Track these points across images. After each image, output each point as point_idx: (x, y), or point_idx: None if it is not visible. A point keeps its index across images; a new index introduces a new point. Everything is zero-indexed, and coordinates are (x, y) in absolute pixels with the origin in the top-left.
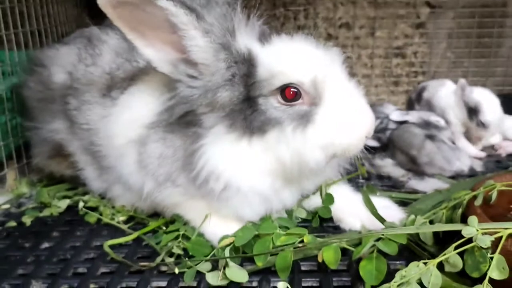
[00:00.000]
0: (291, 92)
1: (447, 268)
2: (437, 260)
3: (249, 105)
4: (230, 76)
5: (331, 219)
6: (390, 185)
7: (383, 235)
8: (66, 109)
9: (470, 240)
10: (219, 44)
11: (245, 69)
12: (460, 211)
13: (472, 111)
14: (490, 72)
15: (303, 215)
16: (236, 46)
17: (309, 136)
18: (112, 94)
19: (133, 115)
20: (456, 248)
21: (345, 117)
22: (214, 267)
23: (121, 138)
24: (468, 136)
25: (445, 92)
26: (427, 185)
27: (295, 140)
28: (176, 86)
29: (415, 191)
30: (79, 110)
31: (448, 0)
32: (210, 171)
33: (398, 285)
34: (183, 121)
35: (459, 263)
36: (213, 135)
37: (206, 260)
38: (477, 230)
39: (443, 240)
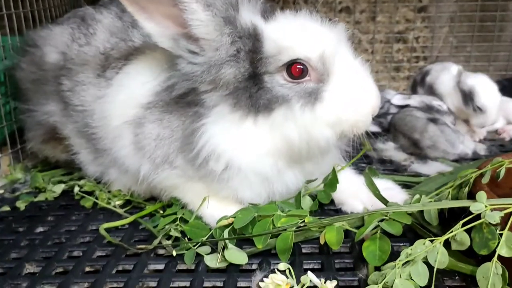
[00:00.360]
0: (298, 69)
1: (454, 246)
2: (444, 237)
3: (254, 82)
4: (234, 52)
5: (332, 202)
6: (392, 169)
7: (387, 214)
8: (59, 91)
9: (478, 217)
10: (222, 18)
11: (251, 44)
12: (466, 189)
13: (468, 97)
14: (493, 56)
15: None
16: (241, 20)
17: (318, 114)
18: (106, 74)
19: (129, 95)
20: (463, 225)
21: (353, 94)
22: (213, 250)
23: (117, 119)
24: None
25: (446, 78)
26: (430, 169)
27: (303, 118)
28: (177, 63)
29: (418, 174)
30: (72, 91)
31: None
32: (211, 151)
33: (403, 264)
34: (183, 101)
35: (467, 240)
36: (216, 114)
37: (204, 243)
38: (486, 206)
39: (448, 220)
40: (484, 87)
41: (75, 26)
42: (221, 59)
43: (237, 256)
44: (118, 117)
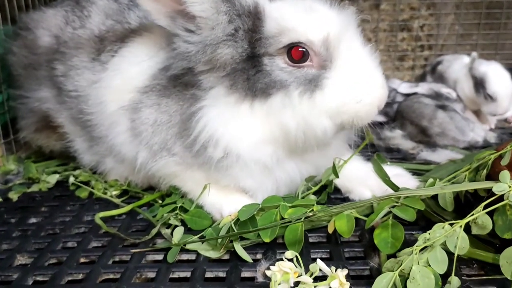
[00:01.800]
0: (299, 52)
1: (475, 231)
2: (465, 220)
3: (253, 64)
4: (232, 31)
5: (339, 190)
6: (400, 158)
7: (399, 200)
8: (52, 76)
9: (499, 200)
10: None
11: (250, 23)
12: (484, 172)
13: (479, 84)
14: (500, 45)
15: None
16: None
17: (317, 102)
18: (102, 58)
19: (125, 79)
20: (485, 208)
21: (356, 83)
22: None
23: (113, 104)
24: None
25: (459, 66)
26: (439, 157)
27: (301, 106)
28: (173, 42)
29: (427, 162)
30: (66, 76)
31: None
32: (209, 136)
33: (421, 249)
34: (180, 82)
35: (489, 223)
36: (212, 97)
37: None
38: (510, 187)
39: (463, 207)
40: (496, 75)
41: (69, 9)
42: (217, 39)
43: (243, 254)
44: (114, 102)
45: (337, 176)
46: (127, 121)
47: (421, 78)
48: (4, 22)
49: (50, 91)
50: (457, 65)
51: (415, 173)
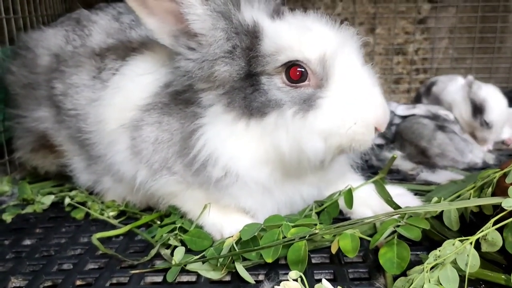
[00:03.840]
0: (297, 72)
1: (484, 248)
2: (475, 237)
3: (251, 83)
4: (230, 48)
5: (341, 211)
6: (399, 179)
7: (403, 218)
8: (51, 95)
9: (509, 216)
10: (219, 13)
11: (248, 41)
12: (490, 190)
13: (477, 109)
14: (494, 69)
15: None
16: (239, 16)
17: (309, 122)
18: (102, 76)
19: (126, 97)
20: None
21: (352, 103)
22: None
23: (112, 123)
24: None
25: (454, 88)
26: (439, 177)
27: (294, 126)
28: (175, 60)
29: (428, 183)
30: (65, 95)
31: None
32: (208, 155)
33: (432, 268)
34: (181, 100)
35: (499, 240)
36: (211, 114)
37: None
38: None
39: (468, 226)
40: (495, 102)
41: (69, 28)
42: (215, 55)
43: (245, 275)
44: (114, 120)
45: (350, 208)
46: (127, 139)
47: (416, 100)
48: (2, 43)
49: (49, 110)
50: (452, 87)
51: (416, 193)
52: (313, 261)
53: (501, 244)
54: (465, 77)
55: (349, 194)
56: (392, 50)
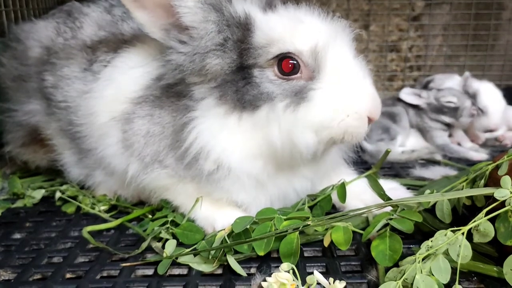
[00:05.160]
0: (290, 65)
1: (476, 238)
2: (467, 227)
3: (243, 76)
4: (221, 41)
5: (333, 205)
6: (392, 174)
7: (395, 212)
8: (42, 87)
9: (501, 207)
10: (210, 5)
11: (240, 34)
12: (482, 182)
13: (471, 99)
14: (487, 66)
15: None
16: (231, 8)
17: (300, 116)
18: (93, 68)
19: (117, 89)
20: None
21: (343, 94)
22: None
23: (104, 115)
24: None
25: (451, 84)
26: (433, 173)
27: (285, 119)
28: (167, 53)
29: (421, 178)
30: (56, 87)
31: None
32: (200, 148)
33: (423, 258)
34: (173, 92)
35: (491, 231)
36: (203, 107)
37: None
38: (511, 192)
39: (462, 219)
40: (488, 90)
41: (60, 21)
42: (206, 48)
43: (237, 268)
44: (106, 113)
45: (343, 202)
46: (118, 133)
47: None
48: None
49: (40, 103)
50: (449, 83)
51: (409, 188)
52: (306, 254)
53: (493, 234)
54: (461, 75)
55: (342, 188)
56: (386, 47)
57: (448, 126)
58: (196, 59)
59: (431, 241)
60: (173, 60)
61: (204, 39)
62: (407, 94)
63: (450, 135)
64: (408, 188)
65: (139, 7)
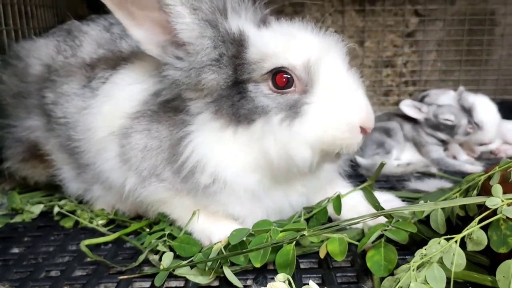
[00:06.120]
0: (283, 79)
1: (470, 247)
2: (460, 235)
3: (238, 91)
4: (217, 56)
5: (329, 217)
6: (388, 187)
7: (390, 223)
8: (42, 104)
9: (493, 215)
10: (206, 22)
11: (234, 49)
12: (475, 192)
13: (467, 113)
14: (482, 81)
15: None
16: (226, 25)
17: (295, 130)
18: (92, 85)
19: (115, 105)
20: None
21: (336, 107)
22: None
23: (102, 130)
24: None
25: (446, 98)
26: (428, 186)
27: (281, 133)
28: (164, 69)
29: (416, 191)
30: (56, 104)
31: (436, 8)
32: (196, 161)
33: (418, 267)
34: (169, 107)
35: (484, 239)
36: (199, 122)
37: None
38: (503, 201)
39: (456, 230)
40: (483, 104)
41: (61, 39)
42: (202, 63)
43: (234, 279)
44: (104, 128)
45: (338, 214)
46: (116, 147)
47: None
48: None
49: (39, 119)
50: (444, 97)
51: (405, 200)
52: (302, 266)
53: (486, 242)
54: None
55: (337, 201)
56: (381, 63)
57: (443, 142)
58: (192, 74)
59: (425, 249)
60: (169, 75)
61: (200, 54)
62: (407, 106)
63: (445, 149)
64: (403, 200)
65: (136, 25)
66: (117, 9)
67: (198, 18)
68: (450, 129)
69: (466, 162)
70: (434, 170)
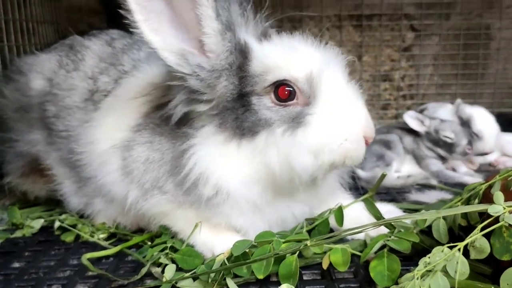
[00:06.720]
0: (286, 91)
1: (473, 255)
2: (463, 243)
3: (242, 103)
4: (230, 62)
5: (331, 228)
6: (388, 199)
7: (392, 233)
8: (44, 117)
9: (495, 223)
10: (227, 24)
11: (240, 60)
12: (476, 202)
13: (465, 124)
14: (478, 94)
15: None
16: (235, 36)
17: (298, 139)
18: (94, 98)
19: (118, 118)
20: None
21: (338, 118)
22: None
23: (104, 143)
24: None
25: (444, 111)
26: (429, 197)
27: (284, 144)
28: (183, 78)
29: (417, 202)
30: (57, 117)
31: (432, 23)
32: (199, 174)
33: (422, 276)
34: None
35: (487, 247)
36: (203, 135)
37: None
38: (504, 208)
39: (459, 239)
40: (481, 115)
41: (63, 54)
42: (221, 66)
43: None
44: (106, 140)
45: (340, 225)
46: (118, 160)
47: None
48: None
49: (41, 132)
50: (442, 110)
51: (406, 211)
52: (305, 277)
53: (488, 250)
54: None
55: (339, 212)
56: (379, 77)
57: (442, 157)
58: (213, 75)
59: (429, 257)
60: (190, 85)
61: (220, 57)
62: (411, 118)
63: (444, 161)
64: (404, 212)
65: (155, 30)
66: (140, 11)
67: (222, 21)
68: (449, 147)
69: (465, 174)
70: (434, 182)
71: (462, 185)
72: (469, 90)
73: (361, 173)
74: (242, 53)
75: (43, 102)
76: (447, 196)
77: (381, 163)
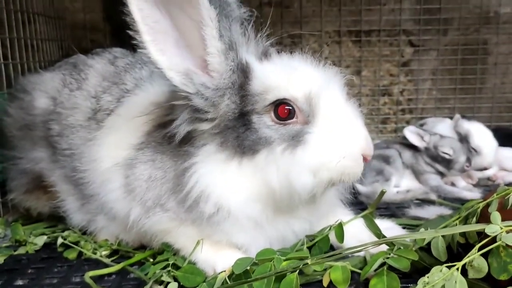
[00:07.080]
0: (285, 110)
1: (471, 274)
2: (461, 262)
3: (243, 122)
4: (233, 81)
5: (331, 245)
6: (388, 215)
7: (391, 251)
8: (48, 136)
9: (493, 242)
10: (230, 44)
11: (242, 79)
12: (474, 220)
13: (464, 139)
14: (476, 108)
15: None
16: (238, 55)
17: (297, 157)
18: (97, 117)
19: (120, 136)
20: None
21: (337, 136)
22: None
23: (107, 161)
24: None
25: (443, 126)
26: (428, 213)
27: (283, 162)
28: (190, 97)
29: (417, 218)
30: (61, 136)
31: (430, 39)
32: (200, 191)
33: None
34: (174, 139)
35: (484, 266)
36: (204, 153)
37: None
38: (502, 228)
39: (457, 256)
40: (479, 130)
41: (66, 72)
42: (225, 85)
43: None
44: (108, 159)
45: (341, 242)
46: (120, 178)
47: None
48: (0, 88)
49: (44, 150)
50: (441, 125)
51: (405, 228)
52: None
53: (486, 270)
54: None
55: (339, 229)
56: (378, 91)
57: (440, 173)
58: (218, 93)
59: (427, 277)
60: (195, 104)
61: (223, 76)
62: (411, 132)
63: (443, 176)
64: (404, 228)
65: (160, 50)
66: (148, 31)
67: (225, 41)
68: (447, 163)
69: (464, 189)
70: (433, 197)
71: (461, 200)
72: (468, 104)
73: (360, 188)
74: (243, 73)
75: (47, 121)
76: (446, 211)
77: (380, 178)
